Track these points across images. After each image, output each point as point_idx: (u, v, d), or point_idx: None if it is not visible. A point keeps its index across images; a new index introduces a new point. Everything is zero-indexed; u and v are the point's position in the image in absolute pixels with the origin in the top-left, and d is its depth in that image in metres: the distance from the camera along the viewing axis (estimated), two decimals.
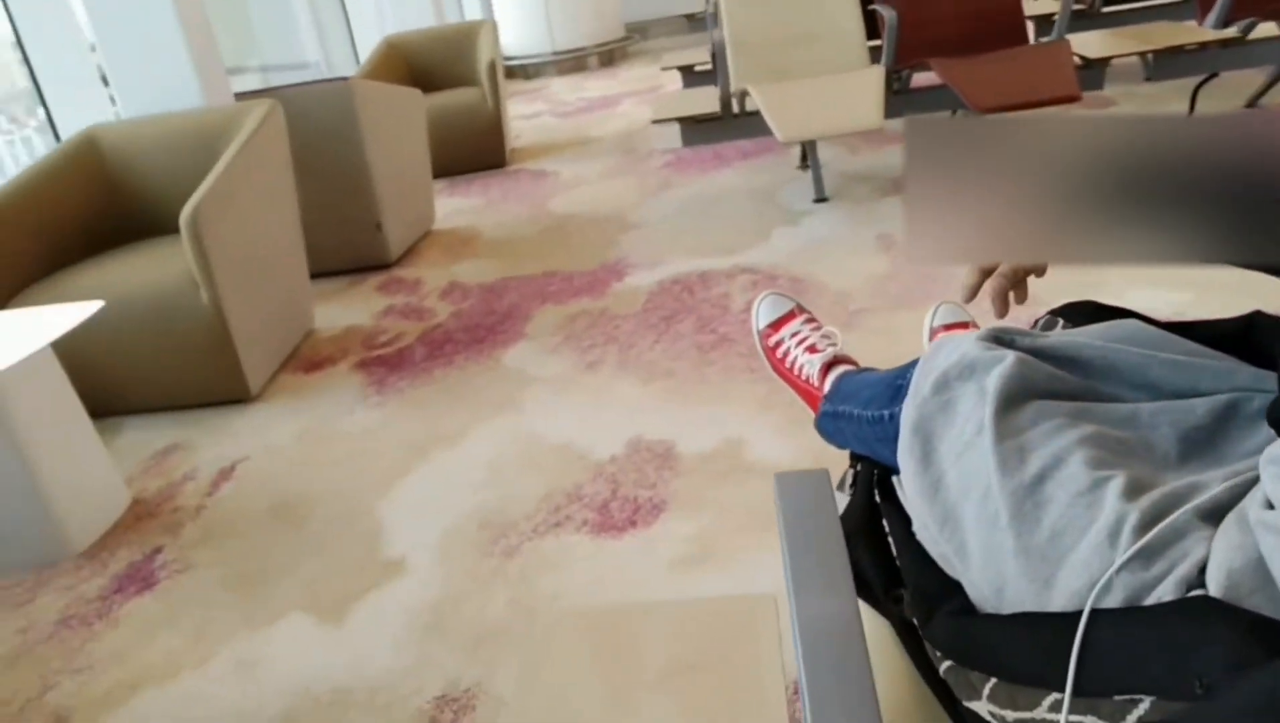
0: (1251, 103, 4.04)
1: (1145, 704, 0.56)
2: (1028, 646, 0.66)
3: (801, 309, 1.47)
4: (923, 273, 2.82)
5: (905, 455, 0.81)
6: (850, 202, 3.60)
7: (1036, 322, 1.02)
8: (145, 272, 2.62)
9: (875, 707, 0.51)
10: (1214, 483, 0.66)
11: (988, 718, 0.68)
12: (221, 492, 2.28)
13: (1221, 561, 0.57)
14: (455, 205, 4.45)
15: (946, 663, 0.74)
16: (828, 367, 1.31)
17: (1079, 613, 0.62)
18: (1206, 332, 0.85)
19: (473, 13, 8.28)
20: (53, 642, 1.84)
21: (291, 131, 3.09)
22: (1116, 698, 0.57)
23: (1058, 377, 0.79)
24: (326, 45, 6.19)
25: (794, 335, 1.40)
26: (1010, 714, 0.65)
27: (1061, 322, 1.00)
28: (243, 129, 2.82)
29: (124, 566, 2.04)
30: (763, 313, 1.48)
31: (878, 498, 0.97)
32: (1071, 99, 3.10)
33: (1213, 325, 0.87)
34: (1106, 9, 5.08)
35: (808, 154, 3.76)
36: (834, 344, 1.34)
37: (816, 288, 2.87)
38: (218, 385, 2.68)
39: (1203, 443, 0.74)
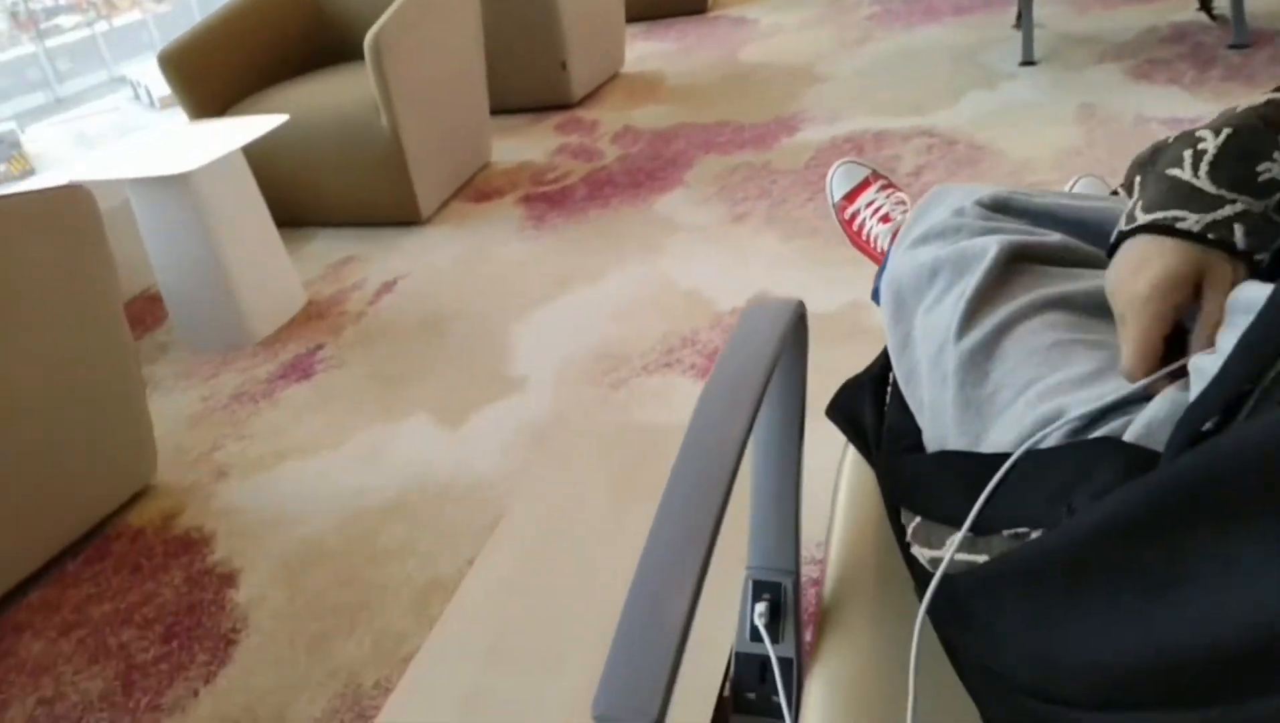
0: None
1: (1031, 539, 0.55)
2: (941, 483, 0.65)
3: (877, 175, 1.41)
4: (1115, 147, 2.55)
5: (884, 308, 0.79)
6: (1059, 66, 3.26)
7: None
8: (335, 94, 2.81)
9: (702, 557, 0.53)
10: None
11: (920, 561, 0.68)
12: (381, 302, 2.49)
13: (1147, 412, 0.54)
14: (648, 49, 4.40)
15: (901, 513, 0.74)
16: (895, 235, 1.27)
17: (993, 455, 0.61)
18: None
19: None
20: (226, 411, 2.13)
21: None
22: (1005, 533, 0.57)
23: (1063, 244, 0.73)
24: None
25: (869, 205, 1.35)
26: (926, 553, 0.66)
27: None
28: None
29: (291, 357, 2.30)
30: (837, 184, 1.43)
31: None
32: None
33: None
34: None
35: (1022, 9, 3.41)
36: (907, 209, 1.28)
37: (994, 156, 2.67)
38: (393, 207, 2.88)
39: None
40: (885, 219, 1.31)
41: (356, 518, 1.72)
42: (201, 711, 1.41)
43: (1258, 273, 0.57)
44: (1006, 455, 0.59)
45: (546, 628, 0.91)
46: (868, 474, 0.88)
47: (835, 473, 0.92)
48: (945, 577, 0.59)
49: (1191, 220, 0.55)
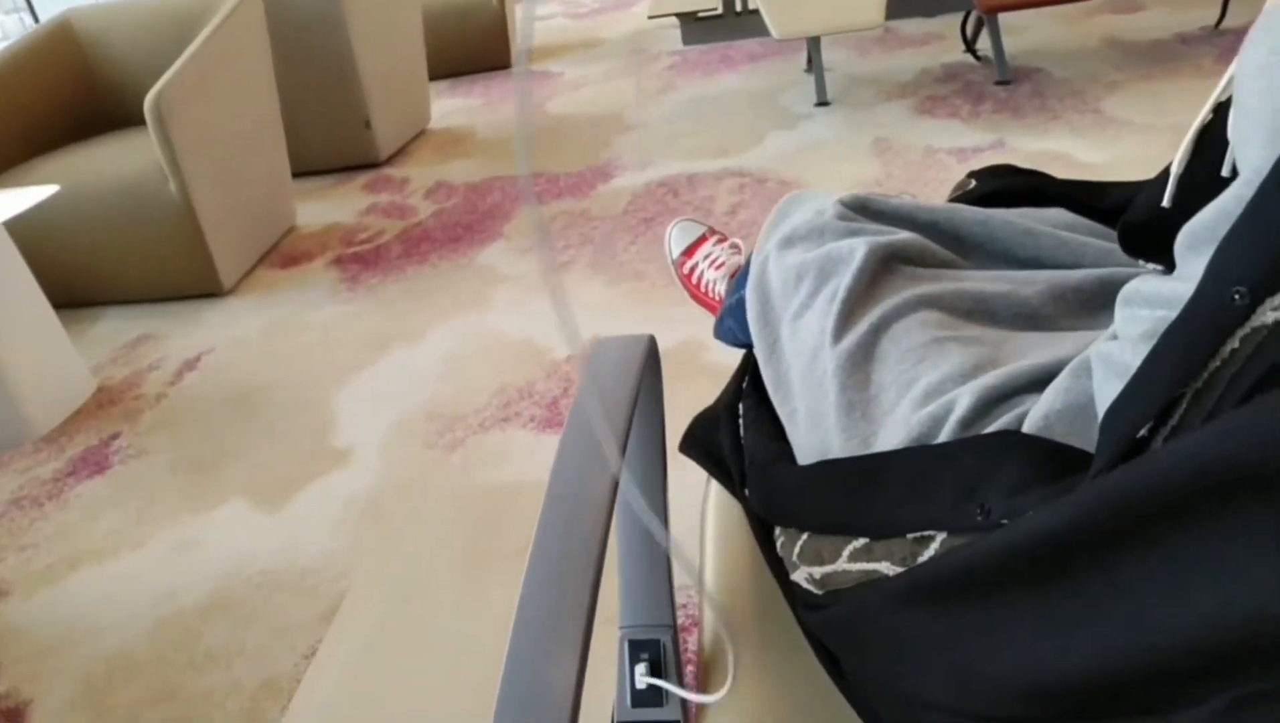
0: None
1: (937, 542, 0.52)
2: (828, 492, 0.62)
3: (713, 231, 1.44)
4: (912, 177, 2.71)
5: (749, 315, 0.77)
6: (851, 106, 3.45)
7: (956, 186, 0.95)
8: (116, 161, 2.59)
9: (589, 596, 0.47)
10: (1065, 351, 0.61)
11: (805, 587, 0.65)
12: (184, 381, 2.28)
13: (1043, 403, 0.52)
14: (454, 105, 4.35)
15: (780, 539, 0.71)
16: (733, 277, 1.28)
17: (884, 454, 0.58)
18: (1115, 195, 0.79)
19: None
20: (4, 520, 1.87)
21: (275, 23, 3.01)
22: (909, 537, 0.54)
23: (923, 245, 0.73)
24: None
25: (706, 257, 1.38)
26: (818, 571, 0.62)
27: (974, 184, 0.94)
28: (217, 15, 2.74)
29: (80, 450, 2.06)
30: (675, 241, 1.46)
31: (745, 385, 0.92)
32: None
33: (1122, 188, 0.81)
34: None
35: (812, 56, 3.60)
36: (739, 254, 1.31)
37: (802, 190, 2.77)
38: (190, 278, 2.66)
39: (1076, 305, 0.68)
40: (721, 267, 1.34)
41: (170, 622, 1.54)
42: None
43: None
44: (897, 453, 0.57)
45: (406, 719, 0.82)
46: (733, 510, 0.85)
47: (699, 514, 0.88)
48: (844, 592, 0.56)
49: None
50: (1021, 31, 3.90)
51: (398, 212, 3.14)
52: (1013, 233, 0.74)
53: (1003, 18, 3.38)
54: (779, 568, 0.73)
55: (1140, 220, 0.59)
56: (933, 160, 2.82)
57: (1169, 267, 0.57)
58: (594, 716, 0.84)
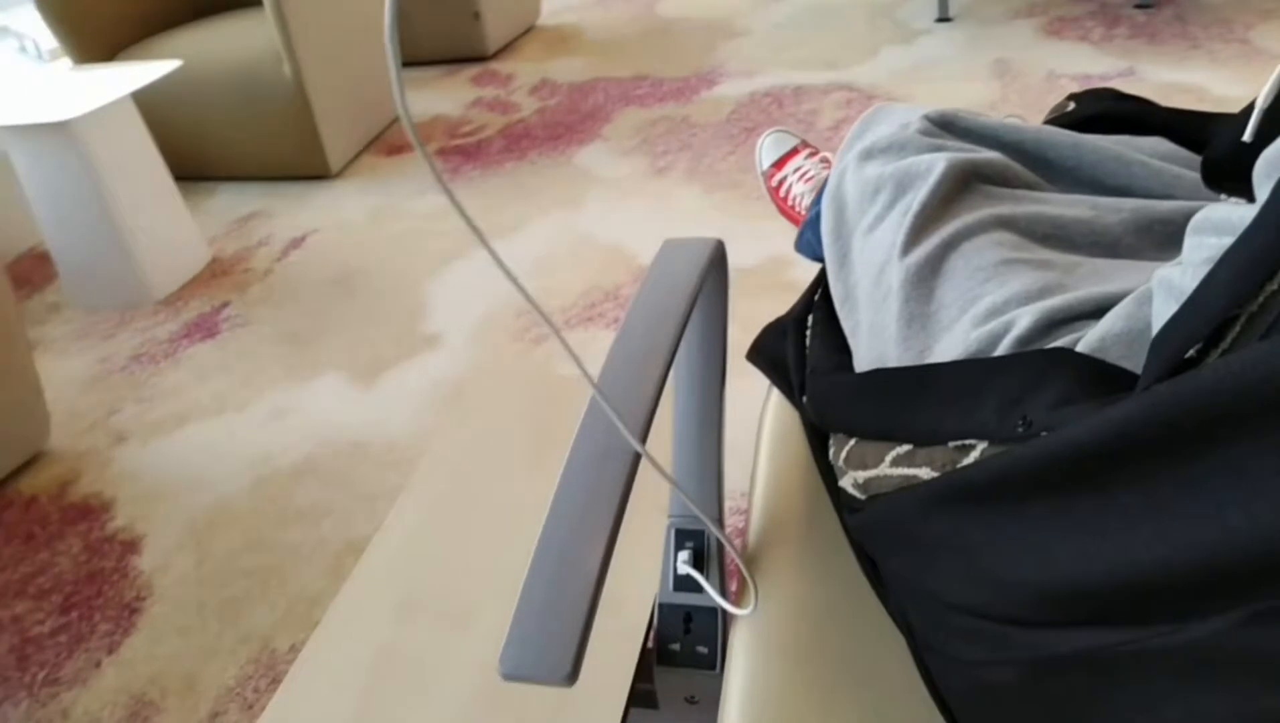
0: None
1: (977, 451, 0.53)
2: (878, 398, 0.63)
3: (806, 145, 1.42)
4: (1029, 103, 2.59)
5: (823, 227, 0.77)
6: (974, 22, 3.29)
7: (1054, 109, 0.93)
8: (233, 41, 2.67)
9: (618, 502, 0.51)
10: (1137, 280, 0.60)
11: (850, 492, 0.67)
12: (290, 258, 2.39)
13: (1102, 326, 0.52)
14: (565, 3, 4.30)
15: (831, 447, 0.73)
16: (819, 191, 1.27)
17: (926, 365, 0.60)
18: (1220, 128, 0.76)
19: None
20: (124, 373, 2.02)
21: None
22: (951, 445, 0.55)
23: (1005, 165, 0.72)
24: None
25: (796, 170, 1.35)
26: (862, 476, 0.64)
27: (1073, 106, 0.91)
28: None
29: (194, 315, 2.20)
30: (766, 152, 1.44)
31: (817, 297, 0.93)
32: None
33: (1228, 121, 0.77)
34: None
35: None
36: (830, 170, 1.29)
37: None
38: (300, 160, 2.76)
39: (1161, 238, 0.67)
40: (809, 180, 1.32)
41: (266, 481, 1.66)
42: (104, 682, 1.34)
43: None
44: (949, 364, 0.58)
45: (460, 583, 0.88)
46: (792, 419, 0.87)
47: (758, 420, 0.91)
48: (883, 496, 0.58)
49: None
50: None
51: (501, 107, 3.17)
52: (1104, 159, 0.72)
53: None
54: (829, 475, 0.75)
55: (1221, 153, 0.57)
56: (1054, 86, 2.68)
57: (1251, 201, 0.56)
58: (642, 598, 0.89)
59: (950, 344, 0.60)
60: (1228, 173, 0.60)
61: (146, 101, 2.46)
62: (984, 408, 0.53)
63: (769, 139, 1.49)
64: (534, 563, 0.49)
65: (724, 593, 0.77)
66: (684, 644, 0.78)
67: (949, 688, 0.58)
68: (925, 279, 0.63)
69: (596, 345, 1.87)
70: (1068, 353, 0.52)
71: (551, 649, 0.45)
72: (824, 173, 1.41)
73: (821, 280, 0.97)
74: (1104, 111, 0.85)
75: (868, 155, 0.74)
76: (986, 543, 0.49)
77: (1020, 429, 0.49)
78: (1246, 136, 0.56)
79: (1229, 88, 2.51)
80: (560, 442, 1.17)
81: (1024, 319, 0.56)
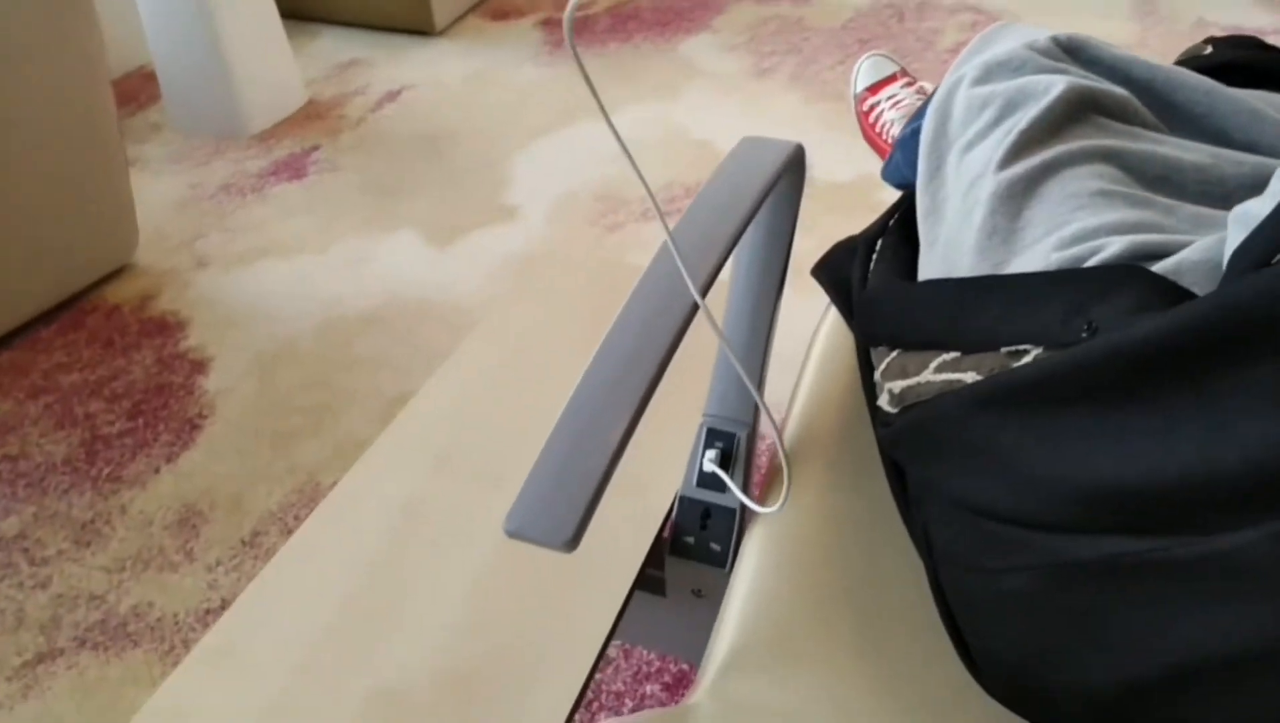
0: None
1: (1030, 356, 0.52)
2: (935, 304, 0.61)
3: (904, 73, 1.35)
4: (1170, 50, 2.42)
5: (922, 137, 0.74)
6: None
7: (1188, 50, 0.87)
8: None
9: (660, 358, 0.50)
10: None
11: (885, 409, 0.66)
12: (384, 110, 2.40)
13: (1181, 253, 0.51)
14: None
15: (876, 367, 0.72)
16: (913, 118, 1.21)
17: (991, 275, 0.58)
18: None
19: None
20: (212, 201, 2.08)
21: None
22: (1003, 350, 0.53)
23: (1128, 100, 0.67)
24: None
25: (890, 98, 1.30)
26: (899, 385, 0.63)
27: (1210, 50, 0.85)
28: None
29: (285, 154, 2.23)
30: (862, 76, 1.37)
31: (892, 223, 0.90)
32: None
33: None
34: None
35: None
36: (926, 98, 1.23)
37: None
38: (407, 13, 2.74)
39: None
40: (900, 107, 1.27)
41: (333, 324, 1.71)
42: (161, 487, 1.43)
43: None
44: (1017, 275, 0.55)
45: (496, 446, 0.91)
46: (844, 340, 0.86)
47: (810, 336, 0.90)
48: (921, 403, 0.57)
49: None
50: None
51: None
52: (1236, 110, 0.66)
53: None
54: (873, 395, 0.74)
55: None
56: (1201, 35, 2.49)
57: None
58: (666, 487, 0.91)
59: (1028, 261, 0.57)
60: None
61: None
62: (1048, 313, 0.51)
63: (866, 63, 1.43)
64: (560, 421, 0.49)
65: (746, 495, 0.77)
66: (699, 539, 0.79)
67: (964, 602, 0.58)
68: (1016, 196, 0.59)
69: None
70: (1142, 270, 0.50)
71: (557, 512, 0.46)
72: (918, 101, 1.36)
73: (899, 206, 0.94)
74: (1243, 60, 0.79)
75: (984, 69, 0.70)
76: (1025, 444, 0.48)
77: (1085, 334, 0.48)
78: None
79: None
80: None
81: (1113, 246, 0.53)
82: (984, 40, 0.75)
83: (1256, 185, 0.61)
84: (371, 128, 2.33)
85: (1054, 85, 0.62)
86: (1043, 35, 0.72)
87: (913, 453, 0.62)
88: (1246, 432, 0.35)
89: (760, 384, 0.79)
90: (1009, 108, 0.64)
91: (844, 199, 1.95)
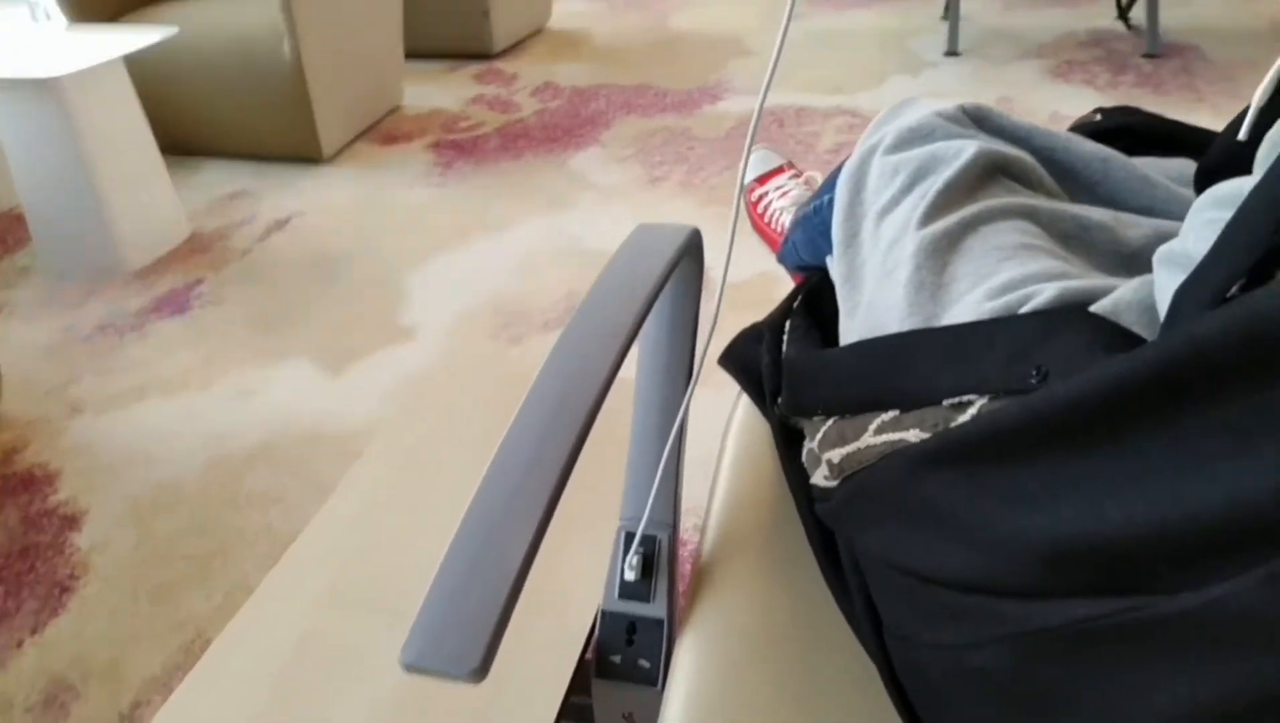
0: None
1: (975, 408, 0.49)
2: (867, 363, 0.59)
3: (791, 165, 1.39)
4: None
5: (836, 206, 0.73)
6: (982, 59, 3.28)
7: (1080, 119, 0.90)
8: (234, 14, 2.62)
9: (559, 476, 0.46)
10: None
11: (823, 484, 0.63)
12: (271, 240, 2.34)
13: (1114, 293, 0.49)
14: (576, 8, 4.28)
15: (806, 446, 0.68)
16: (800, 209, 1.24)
17: (924, 328, 0.56)
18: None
19: None
20: (87, 344, 1.96)
21: None
22: (945, 403, 0.51)
23: (1033, 166, 0.68)
24: None
25: (778, 188, 1.33)
26: (838, 453, 0.60)
27: (1099, 118, 0.88)
28: None
29: (166, 290, 2.14)
30: (751, 167, 1.41)
31: (796, 304, 0.89)
32: None
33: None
34: None
35: (950, 2, 3.41)
36: (813, 188, 1.26)
37: None
38: (293, 142, 2.71)
39: None
40: (788, 196, 1.30)
41: (219, 463, 1.60)
42: (24, 663, 1.27)
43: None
44: (951, 326, 0.53)
45: (393, 575, 0.83)
46: (759, 432, 0.82)
47: (723, 430, 0.86)
48: (864, 469, 0.54)
49: None
50: (1184, 4, 3.62)
51: (502, 105, 3.13)
52: (1129, 176, 0.69)
53: None
54: (799, 480, 0.70)
55: (1216, 158, 0.55)
56: (1057, 127, 2.66)
57: None
58: (585, 604, 0.84)
59: (960, 313, 0.56)
60: (1224, 172, 0.57)
61: (139, 69, 2.41)
62: (989, 361, 0.49)
63: (756, 155, 1.47)
64: (457, 537, 0.44)
65: (672, 604, 0.72)
66: (626, 657, 0.72)
67: (920, 683, 0.54)
68: (940, 251, 0.59)
69: None
70: (1082, 312, 0.48)
71: (460, 637, 0.40)
72: (806, 192, 1.39)
73: (802, 288, 0.93)
74: (1131, 125, 0.82)
75: (896, 137, 0.70)
76: (983, 504, 0.45)
77: (1034, 379, 0.45)
78: (1242, 135, 0.54)
79: None
80: None
81: (1045, 292, 0.52)
82: (893, 111, 0.76)
83: (1159, 245, 0.62)
84: (259, 257, 2.26)
85: (965, 149, 0.63)
86: (950, 105, 0.73)
87: (858, 523, 0.58)
88: (1227, 473, 0.33)
89: (678, 482, 0.75)
90: (922, 172, 0.64)
91: (744, 296, 1.96)
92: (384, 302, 2.04)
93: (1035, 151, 0.70)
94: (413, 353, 1.86)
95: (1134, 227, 0.64)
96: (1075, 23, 3.59)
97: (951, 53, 3.33)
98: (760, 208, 1.38)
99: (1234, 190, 0.44)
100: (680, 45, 3.68)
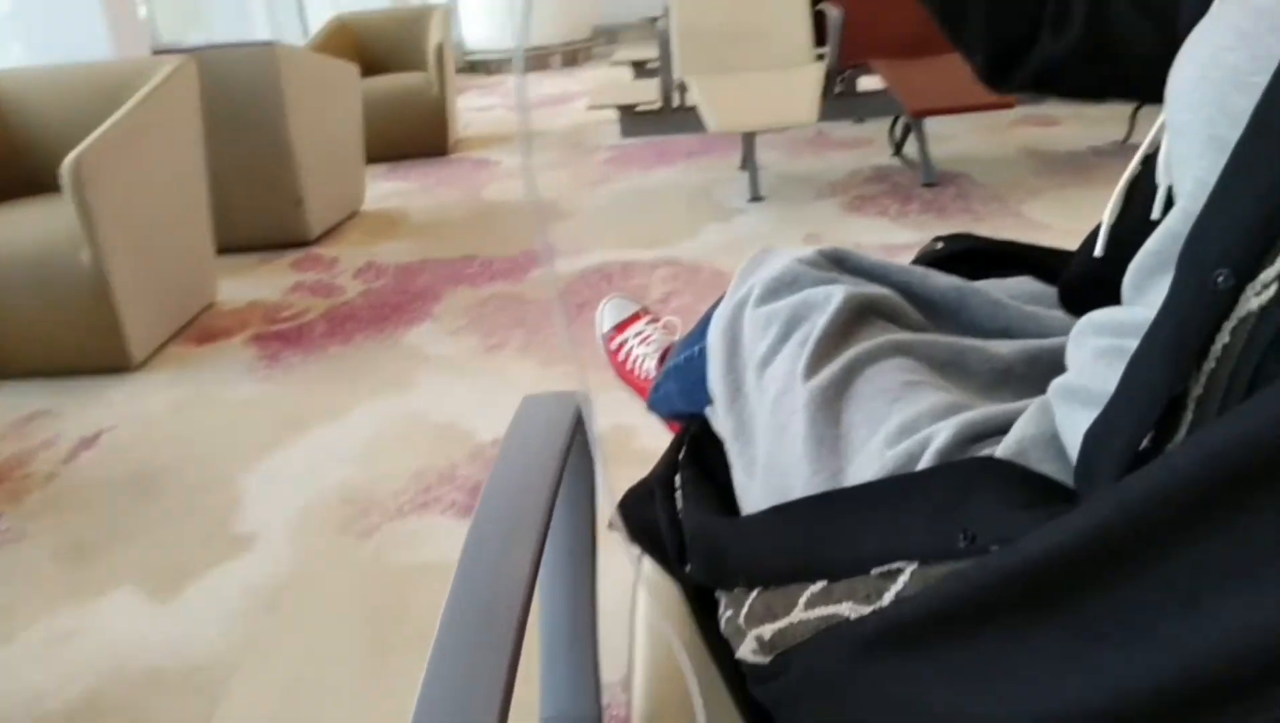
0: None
1: (905, 575, 0.47)
2: (785, 533, 0.57)
3: (646, 311, 1.43)
4: None
5: (711, 364, 0.73)
6: (783, 202, 3.52)
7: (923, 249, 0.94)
8: (27, 225, 2.47)
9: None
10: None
11: (753, 660, 0.59)
12: (79, 461, 2.12)
13: (1015, 431, 0.50)
14: (389, 188, 4.31)
15: (725, 613, 0.64)
16: (664, 355, 1.25)
17: (838, 490, 0.55)
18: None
19: None
20: None
21: (209, 96, 2.94)
22: (874, 572, 0.48)
23: (898, 302, 0.71)
24: (277, 23, 6.02)
25: (637, 335, 1.35)
26: (769, 629, 0.56)
27: (940, 246, 0.92)
28: (148, 83, 2.67)
29: None
30: (607, 317, 1.44)
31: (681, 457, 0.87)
32: (1006, 105, 3.05)
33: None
34: None
35: (747, 154, 3.67)
36: (673, 334, 1.28)
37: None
38: (97, 352, 2.52)
39: (1050, 366, 0.66)
40: (649, 342, 1.31)
41: None
42: None
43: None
44: (866, 484, 0.52)
45: None
46: (667, 593, 0.77)
47: (630, 597, 0.80)
48: (800, 648, 0.51)
49: None
50: (947, 140, 4.05)
51: (324, 290, 3.05)
52: (983, 302, 0.72)
53: (929, 127, 3.50)
54: (722, 649, 0.66)
55: (1077, 274, 0.58)
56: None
57: None
58: None
59: (865, 465, 0.56)
60: (1085, 295, 0.60)
61: None
62: (912, 525, 0.48)
63: (609, 305, 1.47)
64: None
65: None
66: None
67: None
68: (830, 402, 0.59)
69: (436, 534, 1.71)
70: (993, 461, 0.49)
71: None
72: (665, 337, 1.40)
73: (683, 440, 0.91)
74: (971, 248, 0.87)
75: (764, 288, 0.72)
76: (933, 685, 0.42)
77: (963, 543, 0.44)
78: (1098, 252, 0.58)
79: None
80: (409, 642, 1.01)
81: (943, 433, 0.52)
82: (754, 262, 0.78)
83: (1029, 358, 0.65)
84: (66, 482, 2.04)
85: (834, 294, 0.65)
86: (808, 251, 0.75)
87: (802, 712, 0.53)
88: (1178, 635, 0.32)
89: (596, 668, 0.68)
90: (796, 320, 0.65)
91: (607, 450, 1.92)
92: (215, 511, 1.87)
93: (895, 287, 0.73)
94: (255, 563, 1.69)
95: (1002, 345, 0.67)
96: (858, 162, 3.93)
97: (755, 198, 3.55)
98: (621, 356, 1.37)
99: (1110, 319, 0.46)
100: (497, 215, 3.75)
